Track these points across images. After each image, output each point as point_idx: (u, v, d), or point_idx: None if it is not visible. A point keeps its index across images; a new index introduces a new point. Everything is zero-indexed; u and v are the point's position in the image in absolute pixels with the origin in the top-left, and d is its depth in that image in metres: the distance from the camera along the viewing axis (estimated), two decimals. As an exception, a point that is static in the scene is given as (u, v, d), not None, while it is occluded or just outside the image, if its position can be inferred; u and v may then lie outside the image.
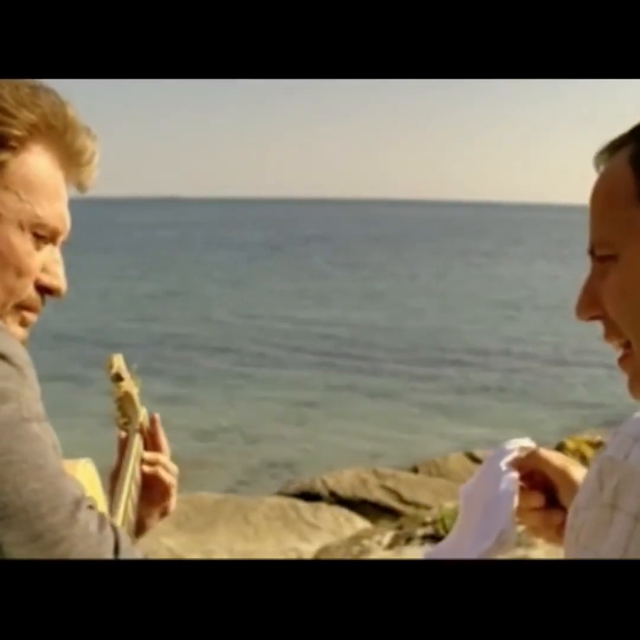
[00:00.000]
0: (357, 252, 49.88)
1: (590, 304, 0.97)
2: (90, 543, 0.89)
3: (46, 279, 1.06)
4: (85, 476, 1.10)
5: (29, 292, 1.05)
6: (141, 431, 1.39)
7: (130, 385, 1.43)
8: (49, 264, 1.06)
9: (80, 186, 1.09)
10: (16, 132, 0.99)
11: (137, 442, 1.37)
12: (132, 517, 1.26)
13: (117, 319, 23.73)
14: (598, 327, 0.98)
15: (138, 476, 1.33)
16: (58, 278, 1.07)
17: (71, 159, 1.05)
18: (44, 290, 1.07)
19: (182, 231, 74.39)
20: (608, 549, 0.94)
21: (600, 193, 0.96)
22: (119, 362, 1.42)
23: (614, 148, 0.96)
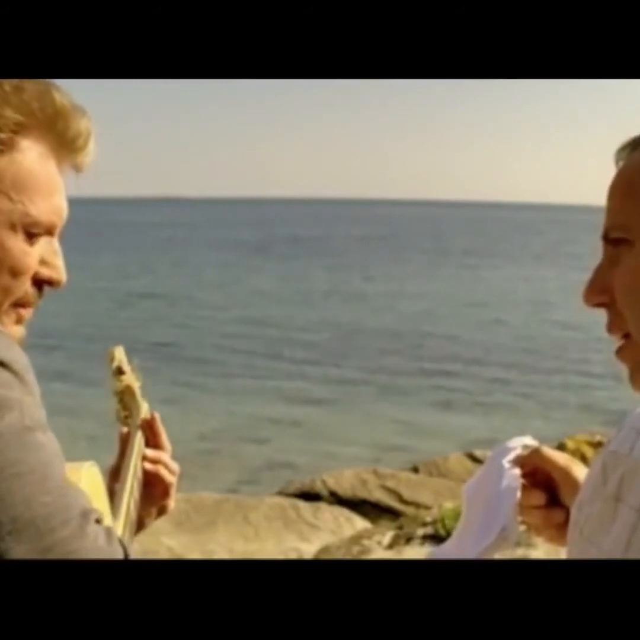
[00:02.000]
0: (348, 253, 49.82)
1: (599, 289, 0.95)
2: (100, 557, 0.88)
3: (46, 272, 1.04)
4: (90, 479, 1.09)
5: (26, 288, 1.03)
6: (142, 427, 1.38)
7: (131, 379, 1.42)
8: (47, 256, 1.04)
9: (77, 168, 1.06)
10: (1, 134, 0.97)
11: (138, 438, 1.36)
12: (134, 514, 1.25)
13: (114, 319, 23.73)
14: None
15: (140, 473, 1.32)
16: (57, 270, 1.06)
17: (65, 146, 1.03)
18: (43, 282, 1.05)
19: (177, 231, 74.22)
20: (611, 541, 0.95)
21: (622, 181, 0.96)
22: (120, 355, 1.41)
23: (636, 144, 0.97)
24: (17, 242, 1.00)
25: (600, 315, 0.97)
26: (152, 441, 1.39)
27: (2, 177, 0.98)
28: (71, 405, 12.67)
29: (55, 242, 1.06)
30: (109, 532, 0.92)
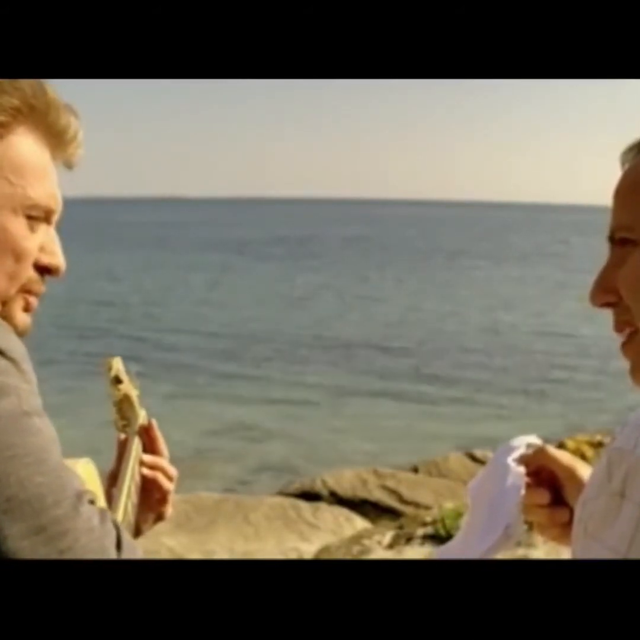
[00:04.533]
0: (333, 254, 49.65)
1: (606, 289, 0.96)
2: (94, 536, 0.89)
3: (45, 259, 1.06)
4: (86, 476, 1.10)
5: (30, 274, 1.05)
6: (140, 434, 1.39)
7: (129, 387, 1.43)
8: (46, 243, 1.06)
9: (67, 163, 1.09)
10: (0, 118, 0.99)
11: (136, 445, 1.36)
12: (132, 519, 1.25)
13: (112, 318, 23.74)
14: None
15: (138, 479, 1.33)
16: (56, 256, 1.08)
17: (56, 137, 1.05)
18: (43, 270, 1.07)
19: (168, 232, 74.05)
20: (616, 538, 0.95)
21: (627, 182, 0.97)
22: (117, 364, 1.42)
23: None
24: (19, 226, 1.02)
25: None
26: (150, 447, 1.39)
27: (1, 162, 1.00)
28: (70, 404, 12.68)
29: (52, 231, 1.08)
30: (102, 512, 0.93)
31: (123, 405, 1.42)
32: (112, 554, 0.91)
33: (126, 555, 0.92)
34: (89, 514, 0.90)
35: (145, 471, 1.35)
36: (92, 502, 0.92)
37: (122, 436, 1.40)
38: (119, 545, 0.91)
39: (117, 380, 1.42)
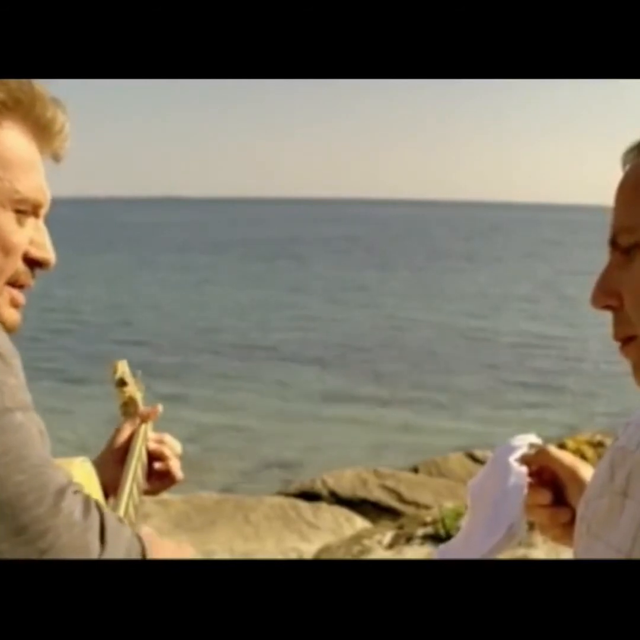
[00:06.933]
0: (317, 254, 49.49)
1: (607, 292, 0.95)
2: (75, 532, 0.89)
3: (35, 253, 1.06)
4: (82, 475, 1.09)
5: (18, 267, 1.05)
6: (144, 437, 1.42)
7: (133, 390, 1.44)
8: (35, 237, 1.06)
9: (55, 156, 1.08)
10: None
11: (140, 444, 1.37)
12: (133, 517, 1.25)
13: (110, 318, 23.73)
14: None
15: (141, 480, 1.33)
16: (46, 250, 1.07)
17: (42, 129, 1.04)
18: (33, 263, 1.06)
19: (163, 231, 73.88)
20: (618, 537, 0.95)
21: (629, 183, 0.95)
22: (123, 367, 1.43)
23: None
24: (6, 220, 1.02)
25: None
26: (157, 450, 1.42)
27: None
28: (66, 402, 12.69)
29: (41, 224, 1.08)
30: (86, 503, 0.92)
31: (128, 408, 1.44)
32: (95, 548, 0.90)
33: (110, 545, 0.92)
34: (70, 508, 0.90)
35: (152, 445, 1.40)
36: (76, 492, 0.92)
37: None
38: (102, 537, 0.91)
39: (123, 383, 1.43)
